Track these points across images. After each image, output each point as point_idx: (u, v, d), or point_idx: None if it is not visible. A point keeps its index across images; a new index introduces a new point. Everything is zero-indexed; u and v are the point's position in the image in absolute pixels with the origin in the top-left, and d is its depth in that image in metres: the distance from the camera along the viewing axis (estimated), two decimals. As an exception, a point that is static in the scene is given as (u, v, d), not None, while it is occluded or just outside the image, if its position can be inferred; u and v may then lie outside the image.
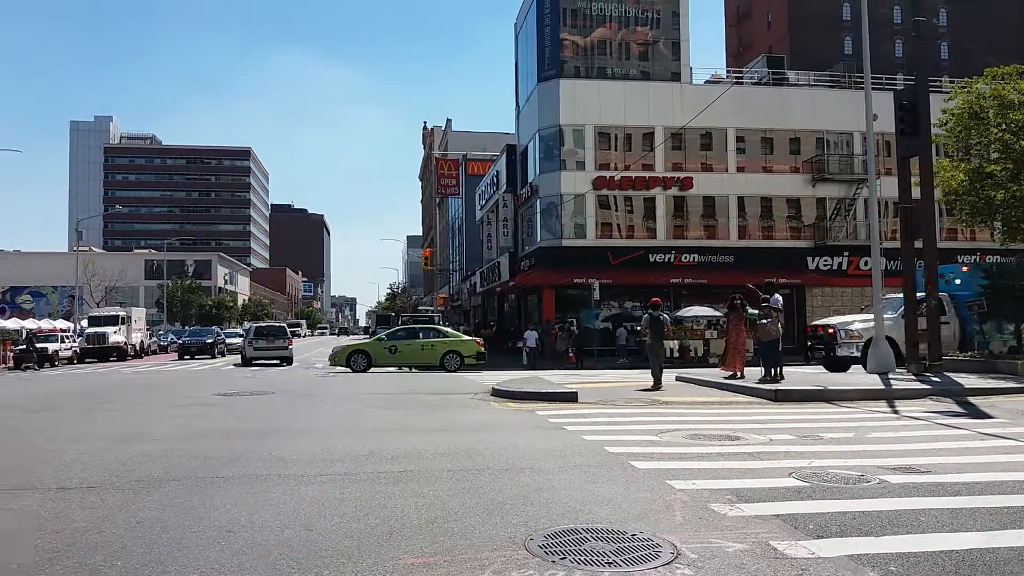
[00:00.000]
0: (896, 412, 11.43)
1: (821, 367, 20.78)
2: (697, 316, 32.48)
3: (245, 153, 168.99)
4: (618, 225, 37.37)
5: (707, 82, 39.83)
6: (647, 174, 36.84)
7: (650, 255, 36.32)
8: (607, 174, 36.61)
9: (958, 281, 19.83)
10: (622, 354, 31.52)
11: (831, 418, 10.93)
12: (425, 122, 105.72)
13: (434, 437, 9.32)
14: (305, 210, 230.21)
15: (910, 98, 16.92)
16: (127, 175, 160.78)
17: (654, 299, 17.06)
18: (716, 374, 17.76)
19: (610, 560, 4.38)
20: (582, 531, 4.99)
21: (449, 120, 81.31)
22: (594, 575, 4.15)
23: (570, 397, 13.73)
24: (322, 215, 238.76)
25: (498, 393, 14.83)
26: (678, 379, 17.90)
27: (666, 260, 36.46)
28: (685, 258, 36.61)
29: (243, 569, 4.28)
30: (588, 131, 37.11)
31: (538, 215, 38.50)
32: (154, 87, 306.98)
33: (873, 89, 18.01)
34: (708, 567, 4.24)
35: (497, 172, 47.21)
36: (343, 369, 25.11)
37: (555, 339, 31.12)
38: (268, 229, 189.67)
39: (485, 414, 12.07)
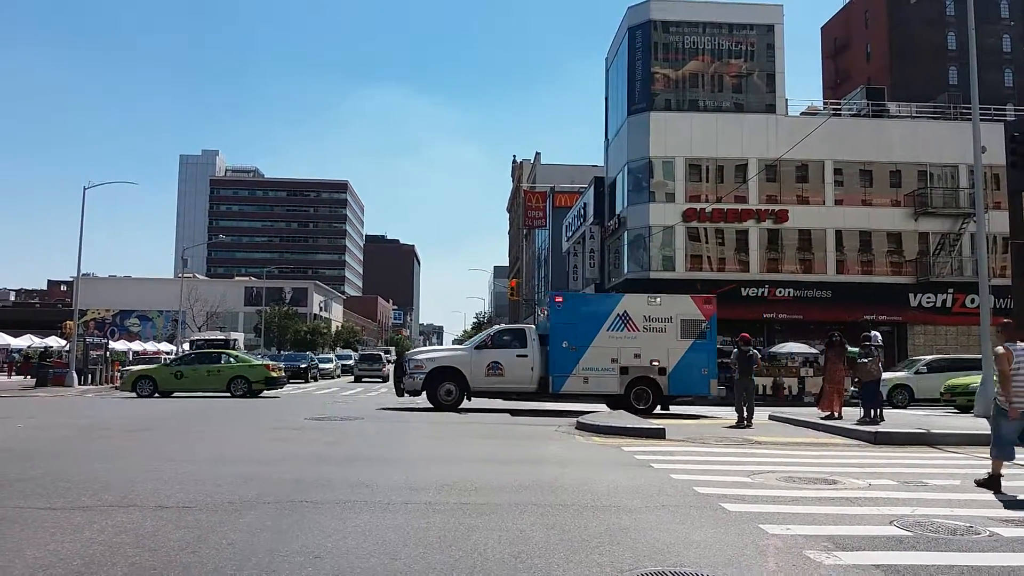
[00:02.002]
0: (1010, 461, 10.70)
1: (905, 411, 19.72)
2: (792, 352, 31.39)
3: (342, 186, 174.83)
4: (708, 258, 36.71)
5: (803, 114, 38.92)
6: (740, 206, 36.15)
7: (742, 289, 35.47)
8: (698, 206, 36.09)
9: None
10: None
11: (935, 463, 10.33)
12: (515, 156, 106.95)
13: (517, 469, 9.26)
14: (397, 240, 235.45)
15: (1022, 129, 16.11)
16: (231, 206, 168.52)
17: (743, 334, 16.62)
18: (811, 413, 17.11)
19: (698, 606, 4.22)
20: (669, 574, 4.84)
21: (538, 153, 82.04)
22: (681, 621, 4.00)
23: (657, 433, 13.44)
24: (413, 245, 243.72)
25: (583, 427, 14.66)
26: (771, 418, 17.34)
27: (759, 294, 35.53)
28: (779, 292, 35.60)
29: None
30: (679, 163, 36.75)
31: (625, 247, 38.22)
32: (257, 123, 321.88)
33: (981, 120, 17.22)
34: (803, 619, 4.03)
35: (584, 204, 47.24)
36: (131, 394, 24.77)
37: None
38: (362, 259, 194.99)
39: (569, 448, 11.93)
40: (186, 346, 44.20)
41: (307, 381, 41.69)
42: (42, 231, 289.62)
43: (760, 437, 13.53)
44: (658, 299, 19.95)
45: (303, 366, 43.50)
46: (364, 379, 44.41)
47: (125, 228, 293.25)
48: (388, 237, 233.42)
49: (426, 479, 8.33)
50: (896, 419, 15.61)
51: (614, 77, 42.13)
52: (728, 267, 36.44)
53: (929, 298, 35.93)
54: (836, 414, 15.97)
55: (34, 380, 32.55)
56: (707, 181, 37.02)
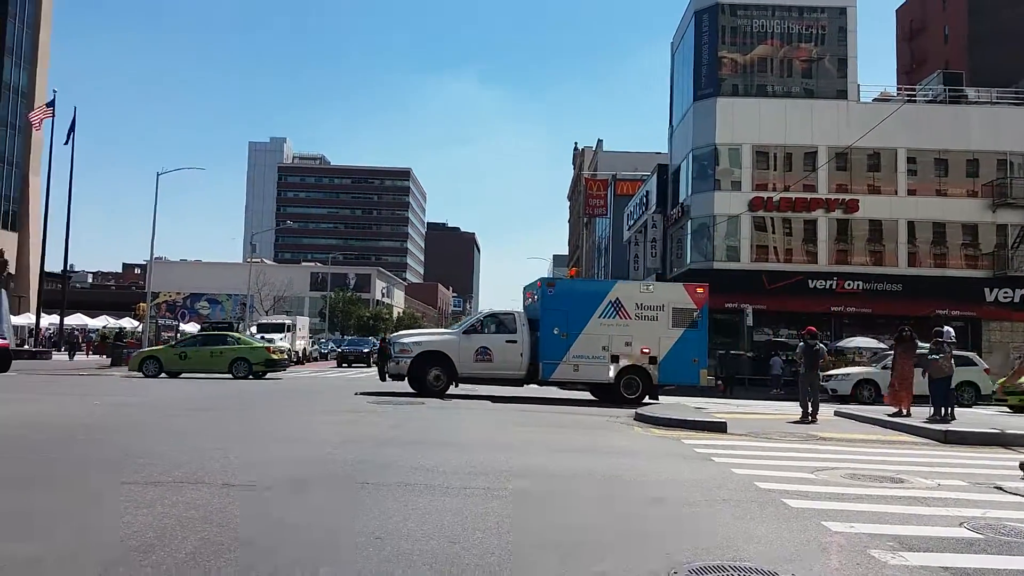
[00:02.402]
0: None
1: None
2: (860, 347, 30.58)
3: (405, 174, 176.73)
4: (775, 248, 35.94)
5: (876, 100, 37.68)
6: (808, 195, 35.25)
7: (809, 281, 34.64)
8: (764, 195, 35.33)
9: None
10: (775, 384, 30.15)
11: (1008, 465, 9.94)
12: (576, 143, 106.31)
13: (574, 458, 9.27)
14: (458, 228, 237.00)
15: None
16: (298, 192, 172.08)
17: (809, 327, 16.25)
18: (879, 410, 16.65)
19: (757, 602, 4.17)
20: (729, 568, 4.78)
21: (600, 140, 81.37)
22: (740, 616, 3.96)
23: (718, 427, 13.26)
24: (473, 233, 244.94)
25: (641, 418, 14.56)
26: (837, 414, 16.94)
27: (827, 287, 34.64)
28: (848, 285, 34.64)
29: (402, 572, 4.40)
30: (745, 150, 36.01)
31: (688, 236, 37.69)
32: (323, 110, 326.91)
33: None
34: (866, 620, 3.95)
35: (647, 192, 46.71)
36: (138, 374, 24.98)
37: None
38: (423, 246, 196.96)
39: (627, 438, 11.87)
40: (253, 329, 45.40)
41: (369, 365, 42.41)
42: (117, 216, 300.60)
43: (824, 433, 13.24)
44: (651, 286, 19.80)
45: (366, 350, 44.50)
46: None
47: (196, 213, 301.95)
48: (449, 225, 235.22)
49: (484, 465, 8.40)
50: (968, 418, 15.07)
51: (679, 62, 41.45)
52: (795, 258, 35.62)
53: (1006, 293, 34.49)
54: (905, 411, 15.51)
55: (109, 360, 33.88)
56: (775, 169, 36.20)
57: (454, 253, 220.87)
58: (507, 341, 19.18)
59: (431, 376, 18.94)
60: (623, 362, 18.93)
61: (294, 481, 7.15)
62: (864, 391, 24.30)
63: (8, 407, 13.64)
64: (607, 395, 19.08)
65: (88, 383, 21.87)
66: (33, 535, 5.06)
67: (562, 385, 19.62)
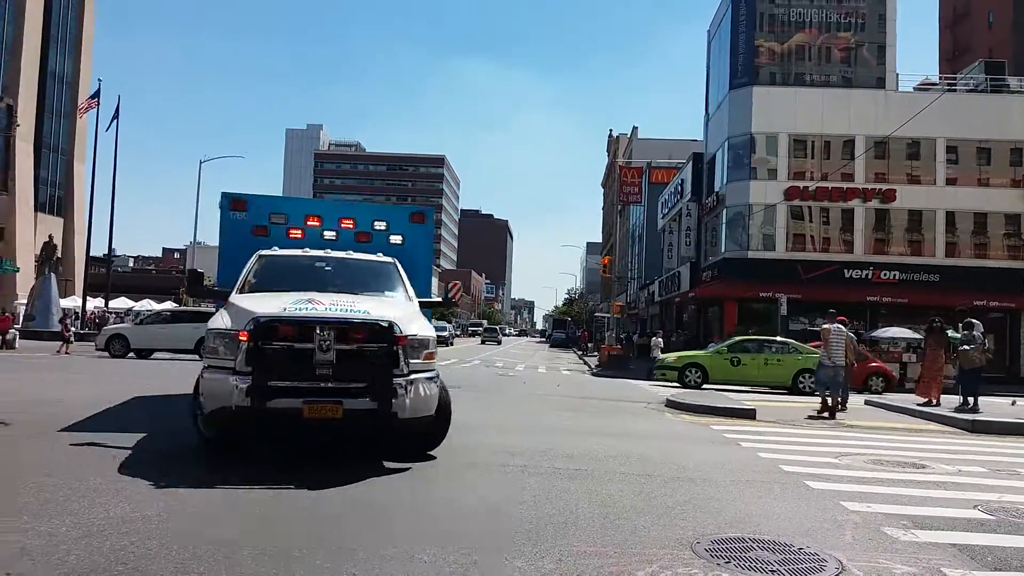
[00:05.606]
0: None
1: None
2: (894, 338, 30.45)
3: (439, 160, 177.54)
4: (811, 237, 35.83)
5: (916, 88, 37.23)
6: (845, 184, 35.06)
7: (845, 270, 34.52)
8: (801, 184, 35.22)
9: None
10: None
11: (1035, 455, 10.16)
12: (611, 130, 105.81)
13: (607, 441, 9.68)
14: (491, 215, 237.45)
15: None
16: (334, 179, 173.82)
17: (840, 317, 16.40)
18: (909, 400, 16.80)
19: (774, 569, 4.57)
20: (748, 540, 5.18)
21: (635, 128, 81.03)
22: (756, 580, 4.35)
23: (748, 414, 13.60)
24: (507, 220, 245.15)
25: (673, 404, 14.92)
26: (867, 403, 17.13)
27: (863, 276, 34.49)
28: (884, 275, 34.45)
29: (451, 537, 4.89)
30: (781, 139, 35.90)
31: (724, 225, 37.69)
32: (359, 98, 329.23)
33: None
34: (872, 585, 4.33)
35: (682, 180, 46.67)
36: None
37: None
38: (457, 232, 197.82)
39: (658, 424, 12.27)
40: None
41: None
42: (157, 201, 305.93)
43: (852, 421, 13.49)
44: None
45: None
46: (486, 343, 67.54)
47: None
48: (482, 212, 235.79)
49: (520, 445, 8.86)
50: (997, 409, 15.16)
51: (716, 50, 41.29)
52: (832, 248, 35.48)
53: (1047, 285, 34.07)
54: (934, 401, 15.66)
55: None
56: (811, 158, 36.05)
57: (487, 240, 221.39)
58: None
59: None
60: None
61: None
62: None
63: None
64: None
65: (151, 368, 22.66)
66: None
67: None
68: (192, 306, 37.06)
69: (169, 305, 56.55)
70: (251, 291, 7.97)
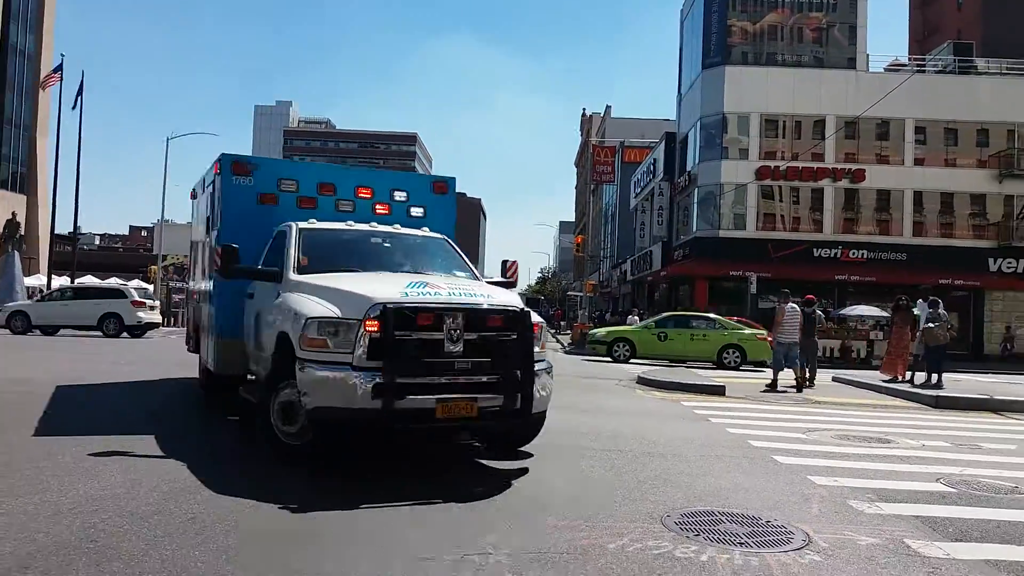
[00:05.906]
0: (1074, 429, 10.70)
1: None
2: (862, 315, 30.98)
3: (411, 138, 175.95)
4: (781, 216, 36.17)
5: (886, 69, 37.57)
6: (815, 164, 35.34)
7: (814, 249, 34.91)
8: (772, 164, 35.47)
9: None
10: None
11: (994, 428, 10.43)
12: (584, 108, 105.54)
13: (579, 417, 9.74)
14: (464, 193, 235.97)
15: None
16: (304, 156, 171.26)
17: (808, 296, 16.61)
18: (876, 377, 17.10)
19: (742, 541, 4.64)
20: (718, 513, 5.26)
21: (609, 107, 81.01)
22: (725, 552, 4.41)
23: (717, 390, 13.75)
24: (479, 199, 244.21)
25: (644, 381, 15.05)
26: (835, 379, 17.40)
27: (832, 255, 34.92)
28: (853, 254, 34.91)
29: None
30: (753, 119, 36.07)
31: (695, 204, 37.88)
32: (329, 74, 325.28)
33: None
34: (838, 556, 4.42)
35: (654, 160, 46.77)
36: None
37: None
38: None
39: (629, 400, 12.37)
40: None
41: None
42: (123, 178, 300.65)
43: (820, 397, 13.72)
44: None
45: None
46: None
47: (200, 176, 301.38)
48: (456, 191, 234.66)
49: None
50: (962, 385, 15.51)
51: (688, 29, 41.27)
52: (801, 227, 35.85)
53: (1010, 263, 34.74)
54: (900, 377, 15.95)
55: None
56: (782, 138, 36.30)
57: (460, 219, 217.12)
58: None
59: None
60: None
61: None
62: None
63: None
64: None
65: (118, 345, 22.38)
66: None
67: None
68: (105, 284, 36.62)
69: (136, 284, 55.79)
70: (311, 271, 6.96)
